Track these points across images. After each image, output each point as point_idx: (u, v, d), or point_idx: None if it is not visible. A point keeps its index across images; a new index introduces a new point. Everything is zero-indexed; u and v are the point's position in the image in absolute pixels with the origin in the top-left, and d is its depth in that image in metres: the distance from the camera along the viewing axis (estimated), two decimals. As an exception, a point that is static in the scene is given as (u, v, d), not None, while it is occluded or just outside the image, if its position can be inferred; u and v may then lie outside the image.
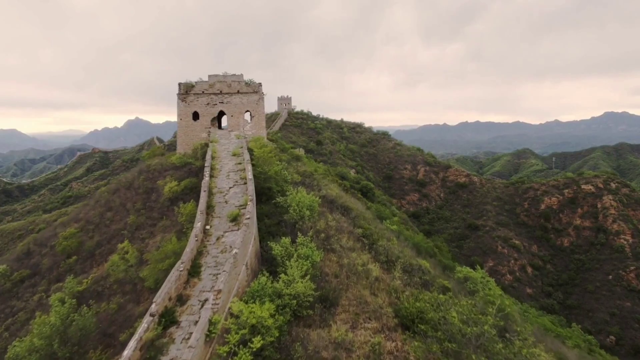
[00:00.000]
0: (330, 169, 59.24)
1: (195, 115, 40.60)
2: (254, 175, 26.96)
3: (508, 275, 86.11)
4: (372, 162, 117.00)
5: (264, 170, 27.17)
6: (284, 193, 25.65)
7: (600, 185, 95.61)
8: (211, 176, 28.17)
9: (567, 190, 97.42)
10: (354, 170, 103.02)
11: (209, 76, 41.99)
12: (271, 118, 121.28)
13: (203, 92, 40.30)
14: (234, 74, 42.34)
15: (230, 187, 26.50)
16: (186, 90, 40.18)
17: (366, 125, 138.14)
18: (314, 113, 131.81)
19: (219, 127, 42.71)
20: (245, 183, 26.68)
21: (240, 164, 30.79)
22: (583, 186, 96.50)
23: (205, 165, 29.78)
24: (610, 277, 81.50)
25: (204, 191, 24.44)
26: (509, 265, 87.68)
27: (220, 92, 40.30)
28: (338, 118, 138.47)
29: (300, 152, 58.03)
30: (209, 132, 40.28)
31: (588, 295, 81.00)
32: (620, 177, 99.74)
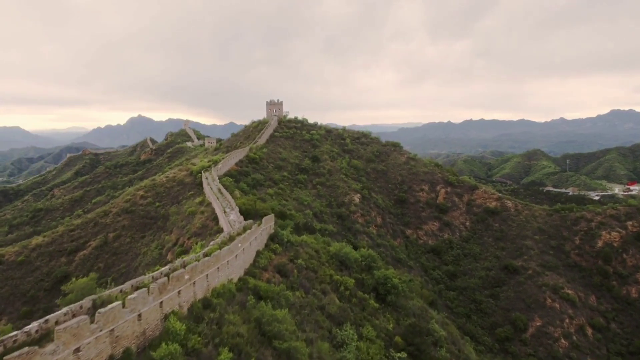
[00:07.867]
0: (322, 249, 36.91)
1: None
2: None
3: (562, 340, 65.60)
4: (380, 182, 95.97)
5: None
6: None
7: (675, 217, 75.13)
8: None
9: (630, 223, 76.80)
10: (358, 195, 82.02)
11: None
12: (258, 127, 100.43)
13: None
14: None
15: None
16: None
17: (370, 124, 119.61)
18: (312, 117, 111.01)
19: None
20: None
21: None
22: (652, 218, 75.96)
23: None
24: None
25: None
26: (562, 326, 67.20)
27: None
28: (341, 116, 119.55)
29: None
30: None
31: (674, 373, 60.92)
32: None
